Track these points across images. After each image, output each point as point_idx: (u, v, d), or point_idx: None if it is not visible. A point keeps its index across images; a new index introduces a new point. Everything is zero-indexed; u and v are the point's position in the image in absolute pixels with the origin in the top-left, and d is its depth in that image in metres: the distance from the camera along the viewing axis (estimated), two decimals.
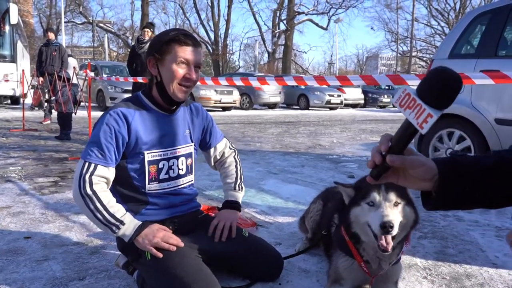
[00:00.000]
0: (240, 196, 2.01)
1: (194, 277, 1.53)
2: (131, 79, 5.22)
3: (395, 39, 43.55)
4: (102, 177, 1.64)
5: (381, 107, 22.51)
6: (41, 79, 8.62)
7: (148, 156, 1.72)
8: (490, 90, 3.76)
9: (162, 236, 1.62)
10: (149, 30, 6.79)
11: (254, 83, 3.03)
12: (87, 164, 1.62)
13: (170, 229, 1.74)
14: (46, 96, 8.95)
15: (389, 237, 1.52)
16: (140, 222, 1.64)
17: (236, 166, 2.05)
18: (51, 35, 8.46)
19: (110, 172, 1.66)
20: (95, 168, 1.62)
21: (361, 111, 19.39)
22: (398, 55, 45.00)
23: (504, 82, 2.80)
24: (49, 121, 9.27)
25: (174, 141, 1.80)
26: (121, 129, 1.66)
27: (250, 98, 17.15)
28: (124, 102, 1.76)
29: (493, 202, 0.98)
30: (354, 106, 21.23)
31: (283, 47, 37.24)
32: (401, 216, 1.54)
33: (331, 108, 19.07)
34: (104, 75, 13.80)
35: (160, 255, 1.60)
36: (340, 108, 19.61)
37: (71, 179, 3.93)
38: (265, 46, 40.06)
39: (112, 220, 1.60)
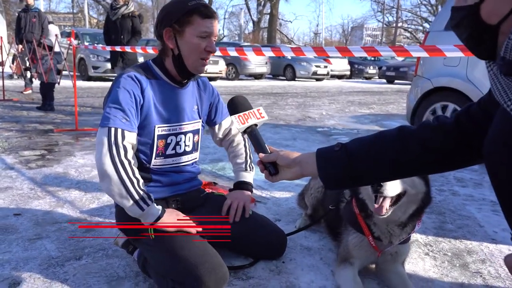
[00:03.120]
0: (250, 176, 1.95)
1: (201, 259, 1.48)
2: (118, 48, 5.00)
3: (381, 9, 43.19)
4: (130, 143, 1.55)
5: (366, 78, 22.46)
6: (20, 46, 8.28)
7: (158, 130, 1.64)
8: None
9: (183, 221, 1.56)
10: None
11: (249, 53, 2.92)
12: (113, 130, 1.49)
13: (173, 208, 1.68)
14: (27, 65, 8.60)
15: (382, 199, 1.50)
16: (161, 207, 1.57)
17: (244, 145, 1.97)
18: (30, 0, 8.05)
19: (134, 138, 1.57)
20: (123, 134, 1.51)
21: (347, 82, 19.32)
22: (384, 25, 44.74)
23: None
24: (30, 91, 8.96)
25: (183, 116, 1.71)
26: (138, 92, 1.57)
27: (236, 69, 16.88)
28: (134, 68, 1.65)
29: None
30: (340, 77, 21.14)
31: (268, 16, 36.58)
32: (407, 184, 1.51)
33: (317, 79, 18.95)
34: (86, 43, 13.35)
35: (194, 231, 1.56)
36: (327, 79, 19.50)
37: (58, 152, 3.81)
38: (250, 15, 39.34)
39: (143, 194, 1.50)
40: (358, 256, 1.67)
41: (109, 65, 11.94)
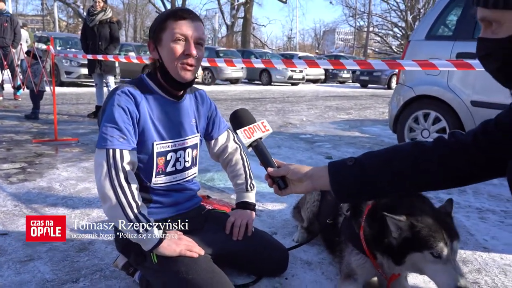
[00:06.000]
0: (252, 195, 1.92)
1: (209, 281, 1.45)
2: (99, 57, 4.89)
3: (353, 14, 43.95)
4: (130, 163, 1.48)
5: (340, 82, 22.83)
6: None
7: (157, 147, 1.59)
8: (466, 72, 3.80)
9: (186, 245, 1.52)
10: (100, 0, 6.21)
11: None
12: (111, 151, 1.44)
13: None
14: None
15: None
16: (161, 231, 1.52)
17: (243, 164, 1.94)
18: (1, 5, 7.80)
19: (134, 156, 1.51)
20: (121, 155, 1.45)
21: (322, 86, 19.55)
22: (356, 30, 45.52)
23: (466, 69, 2.82)
24: (1, 98, 8.66)
25: (182, 131, 1.67)
26: (133, 107, 1.52)
27: (212, 74, 16.83)
28: (127, 84, 1.59)
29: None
30: (315, 81, 21.38)
31: (242, 20, 36.64)
32: None
33: (293, 84, 19.10)
34: (58, 48, 13.02)
35: (197, 255, 1.52)
36: (302, 83, 19.67)
37: (39, 164, 3.69)
38: (224, 19, 39.30)
39: (142, 219, 1.45)
40: (362, 274, 1.68)
41: (82, 70, 11.70)
